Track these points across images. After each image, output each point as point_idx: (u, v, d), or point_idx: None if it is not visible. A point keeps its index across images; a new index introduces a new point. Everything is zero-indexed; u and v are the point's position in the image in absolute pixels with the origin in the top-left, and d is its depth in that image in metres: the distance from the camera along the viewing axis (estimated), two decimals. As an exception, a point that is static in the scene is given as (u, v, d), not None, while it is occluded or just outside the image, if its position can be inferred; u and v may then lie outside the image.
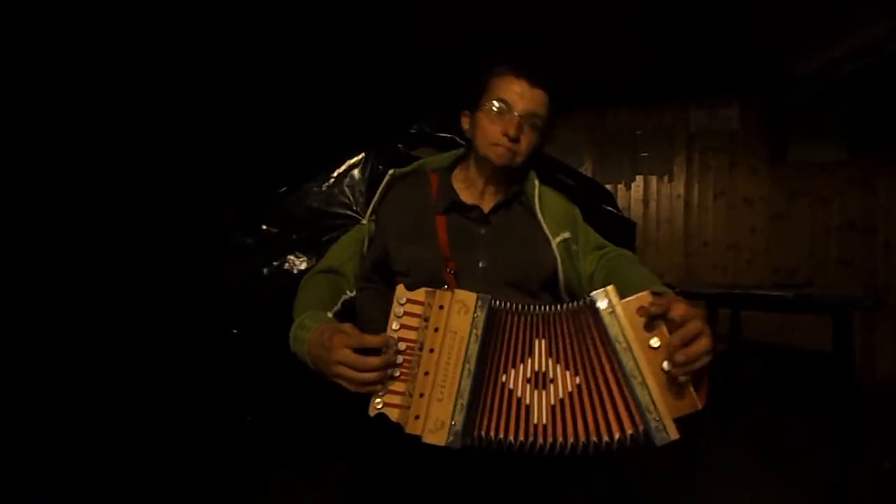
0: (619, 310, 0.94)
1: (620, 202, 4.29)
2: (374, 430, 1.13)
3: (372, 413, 0.95)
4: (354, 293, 1.24)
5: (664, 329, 0.92)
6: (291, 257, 1.49)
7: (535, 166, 1.26)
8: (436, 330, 0.96)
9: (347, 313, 1.23)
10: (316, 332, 1.02)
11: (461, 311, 0.96)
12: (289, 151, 1.77)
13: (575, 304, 0.97)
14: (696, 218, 4.30)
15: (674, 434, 0.90)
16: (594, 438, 0.91)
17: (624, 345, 0.93)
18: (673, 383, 0.91)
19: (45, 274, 1.26)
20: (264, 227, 1.55)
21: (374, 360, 0.93)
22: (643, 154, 4.37)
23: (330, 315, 1.14)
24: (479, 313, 0.96)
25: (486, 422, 0.93)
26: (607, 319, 0.94)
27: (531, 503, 1.06)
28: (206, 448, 2.06)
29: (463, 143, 1.28)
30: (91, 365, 1.30)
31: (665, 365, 0.91)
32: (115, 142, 1.51)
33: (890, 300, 3.83)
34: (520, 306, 0.98)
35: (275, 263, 1.50)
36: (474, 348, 0.95)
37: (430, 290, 0.98)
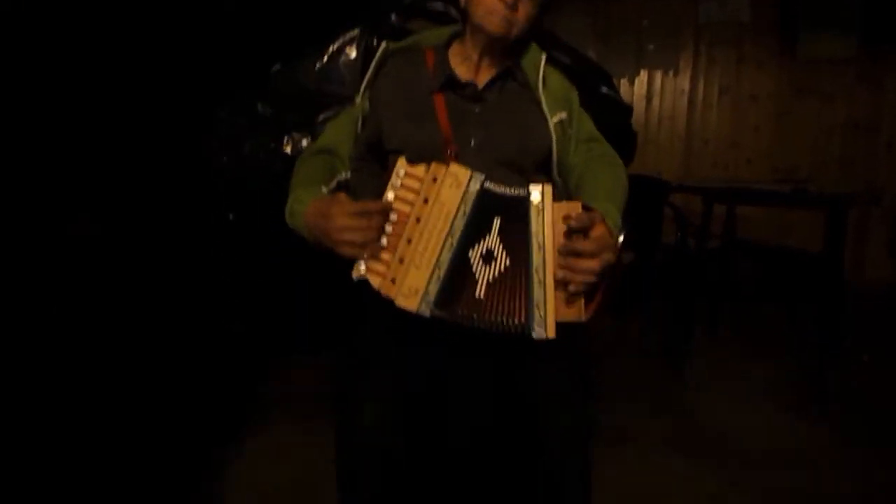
0: (546, 209, 0.97)
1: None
2: (368, 313, 1.17)
3: (355, 276, 0.97)
4: (349, 175, 1.23)
5: (580, 242, 0.96)
6: (287, 138, 1.48)
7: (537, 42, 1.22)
8: (425, 201, 0.97)
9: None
10: (313, 205, 1.04)
11: (453, 185, 0.97)
12: (279, 28, 1.70)
13: (521, 190, 0.99)
14: (700, 115, 4.22)
15: (551, 334, 0.95)
16: (502, 319, 0.96)
17: (540, 242, 0.96)
18: (566, 291, 0.96)
19: (43, 172, 1.24)
20: (259, 107, 1.52)
21: (375, 219, 0.95)
22: (649, 47, 4.22)
23: (325, 190, 1.14)
24: (470, 190, 0.97)
25: (452, 293, 0.96)
26: (533, 214, 0.97)
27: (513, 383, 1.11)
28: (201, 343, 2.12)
29: (458, 17, 1.22)
30: (82, 253, 1.31)
31: (559, 273, 0.95)
32: (105, 25, 1.45)
33: (886, 202, 3.83)
34: (499, 185, 0.99)
35: (271, 145, 1.49)
36: (460, 224, 0.96)
37: (428, 164, 0.98)
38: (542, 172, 1.20)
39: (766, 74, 4.08)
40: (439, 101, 1.14)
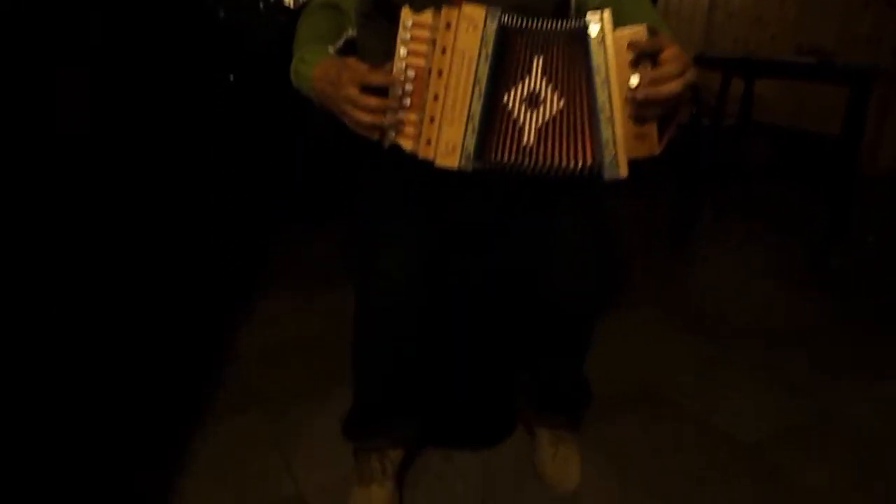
0: (608, 40, 0.89)
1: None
2: (381, 169, 1.14)
3: (386, 146, 0.94)
4: (356, 32, 1.17)
5: (650, 69, 0.88)
6: (288, -12, 1.39)
7: None
8: (443, 51, 0.91)
9: (350, 52, 1.17)
10: (321, 68, 0.98)
11: (469, 29, 0.91)
12: None
13: (572, 23, 0.91)
14: (724, -14, 3.97)
15: (623, 172, 0.91)
16: (563, 164, 0.92)
17: (603, 77, 0.90)
18: (638, 124, 0.90)
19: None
20: (256, -44, 1.41)
21: (382, 101, 0.90)
22: None
23: (331, 50, 1.08)
24: (488, 30, 0.91)
25: (491, 144, 0.93)
26: (594, 48, 0.89)
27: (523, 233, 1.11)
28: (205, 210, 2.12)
29: None
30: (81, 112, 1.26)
31: (632, 106, 0.89)
32: None
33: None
34: (525, 21, 0.92)
35: (271, -3, 1.40)
36: (484, 69, 0.91)
37: (436, 10, 0.91)
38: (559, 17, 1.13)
39: (800, -60, 3.78)
40: None
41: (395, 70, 0.91)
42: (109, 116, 1.40)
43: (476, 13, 0.90)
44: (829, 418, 1.47)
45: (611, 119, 0.90)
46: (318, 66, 0.99)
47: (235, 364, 1.64)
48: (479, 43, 0.90)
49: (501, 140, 0.92)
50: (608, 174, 0.91)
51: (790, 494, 1.23)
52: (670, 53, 0.87)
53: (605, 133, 0.90)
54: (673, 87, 0.86)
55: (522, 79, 0.92)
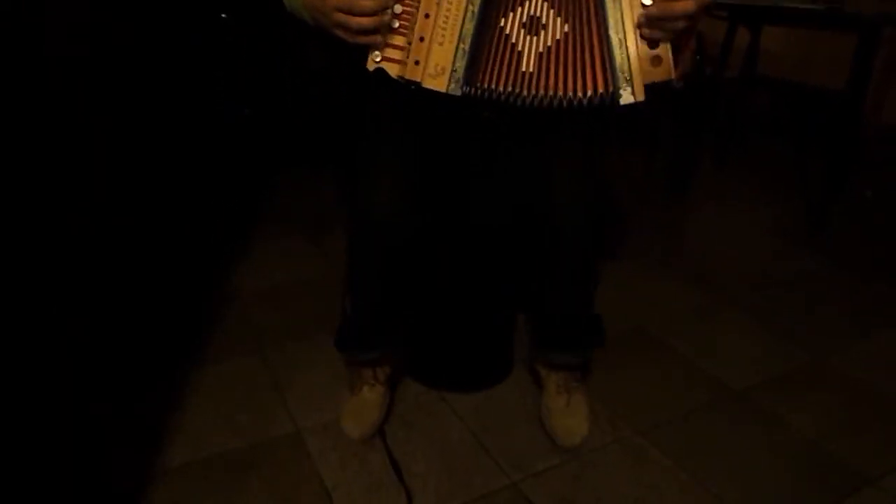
0: None
1: None
2: (378, 99, 1.12)
3: (371, 67, 0.90)
4: None
5: None
6: None
7: None
8: None
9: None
10: None
11: None
12: None
13: None
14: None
15: (640, 96, 0.87)
16: (570, 94, 0.88)
17: None
18: (653, 47, 0.86)
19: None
20: None
21: (371, 3, 0.86)
22: None
23: None
24: None
25: (484, 69, 0.89)
26: None
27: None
28: (205, 145, 2.10)
29: None
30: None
31: (645, 28, 0.85)
32: None
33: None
34: None
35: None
36: None
37: None
38: None
39: None
40: None
41: None
42: (103, 52, 1.37)
43: None
44: (819, 367, 1.48)
45: (623, 41, 0.86)
46: None
47: (234, 304, 1.64)
48: None
49: (495, 66, 0.89)
50: (624, 99, 0.88)
51: (775, 438, 1.24)
52: None
53: (619, 57, 0.87)
54: (681, 8, 0.82)
55: (522, 3, 0.87)
